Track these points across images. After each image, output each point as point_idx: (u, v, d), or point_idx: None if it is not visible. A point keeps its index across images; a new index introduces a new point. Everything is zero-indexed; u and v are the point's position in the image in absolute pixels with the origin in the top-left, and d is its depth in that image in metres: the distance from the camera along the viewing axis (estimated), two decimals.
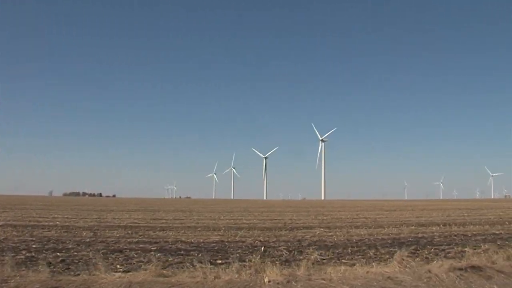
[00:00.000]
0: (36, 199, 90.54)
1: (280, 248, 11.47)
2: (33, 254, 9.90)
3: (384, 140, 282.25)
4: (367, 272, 7.31)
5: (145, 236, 14.52)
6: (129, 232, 15.76)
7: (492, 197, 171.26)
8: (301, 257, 9.47)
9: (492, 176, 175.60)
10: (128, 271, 7.33)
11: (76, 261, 8.98)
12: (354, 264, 8.10)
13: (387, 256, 9.90)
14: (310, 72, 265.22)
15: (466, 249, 10.17)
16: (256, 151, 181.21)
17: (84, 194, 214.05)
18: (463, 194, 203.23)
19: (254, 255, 7.97)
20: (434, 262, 8.11)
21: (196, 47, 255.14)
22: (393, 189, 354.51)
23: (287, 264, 8.53)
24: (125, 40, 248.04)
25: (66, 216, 25.70)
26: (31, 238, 13.14)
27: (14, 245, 11.56)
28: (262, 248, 11.27)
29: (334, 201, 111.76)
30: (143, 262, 8.80)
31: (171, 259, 9.46)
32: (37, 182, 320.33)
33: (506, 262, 8.12)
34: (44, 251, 10.51)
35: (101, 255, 9.13)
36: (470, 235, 15.31)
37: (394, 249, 11.13)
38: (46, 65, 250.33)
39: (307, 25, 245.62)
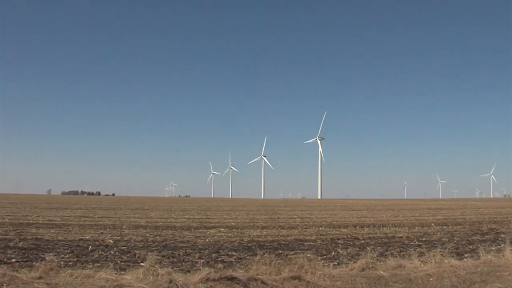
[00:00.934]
0: (35, 197, 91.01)
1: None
2: None
3: (384, 139, 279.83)
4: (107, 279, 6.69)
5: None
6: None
7: (492, 196, 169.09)
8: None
9: (491, 175, 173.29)
10: None
11: None
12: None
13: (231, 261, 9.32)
14: (310, 72, 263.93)
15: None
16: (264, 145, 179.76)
17: (83, 192, 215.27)
18: (464, 194, 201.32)
19: None
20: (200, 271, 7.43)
21: (194, 47, 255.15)
22: (393, 189, 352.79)
23: None
24: (124, 40, 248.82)
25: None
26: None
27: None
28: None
29: (327, 200, 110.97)
30: None
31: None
32: (35, 180, 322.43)
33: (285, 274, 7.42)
34: None
35: None
36: (361, 239, 14.60)
37: (249, 254, 10.63)
38: (45, 65, 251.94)
39: (307, 25, 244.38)
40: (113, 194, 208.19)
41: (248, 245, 12.64)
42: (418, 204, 61.60)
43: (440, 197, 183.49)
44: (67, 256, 10.11)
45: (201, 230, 17.28)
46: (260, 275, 7.39)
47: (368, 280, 7.04)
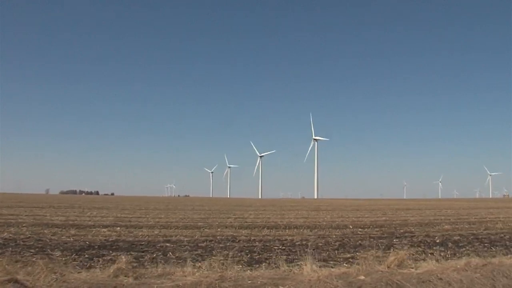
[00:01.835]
0: (34, 197, 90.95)
1: None
2: None
3: (384, 139, 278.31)
4: None
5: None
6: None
7: (491, 196, 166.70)
8: None
9: (491, 175, 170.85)
10: None
11: None
12: None
13: None
14: (309, 72, 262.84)
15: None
16: (254, 147, 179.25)
17: (81, 192, 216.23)
18: (463, 194, 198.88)
19: None
20: None
21: (194, 47, 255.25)
22: (393, 189, 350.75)
23: None
24: (124, 40, 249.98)
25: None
26: None
27: None
28: None
29: (323, 200, 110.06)
30: None
31: None
32: (34, 180, 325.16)
33: None
34: None
35: None
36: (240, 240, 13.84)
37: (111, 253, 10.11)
38: (45, 65, 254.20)
39: (307, 25, 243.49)
40: (112, 194, 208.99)
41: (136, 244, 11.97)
42: (396, 204, 60.80)
43: (440, 197, 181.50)
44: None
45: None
46: None
47: None
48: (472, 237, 15.33)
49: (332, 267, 8.16)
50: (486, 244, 13.15)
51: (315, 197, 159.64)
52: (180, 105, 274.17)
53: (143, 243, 12.71)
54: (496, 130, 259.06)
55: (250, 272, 7.70)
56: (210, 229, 17.26)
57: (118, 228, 17.18)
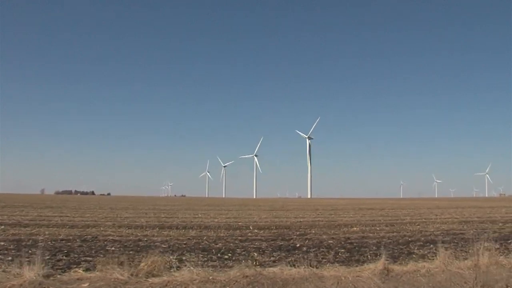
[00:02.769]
0: (33, 197, 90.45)
1: None
2: None
3: (382, 139, 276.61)
4: None
5: None
6: None
7: (487, 195, 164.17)
8: None
9: (487, 174, 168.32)
10: None
11: None
12: None
13: None
14: (310, 72, 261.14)
15: None
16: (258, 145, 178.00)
17: (76, 192, 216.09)
18: (461, 193, 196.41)
19: None
20: None
21: (194, 47, 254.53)
22: (390, 188, 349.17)
23: None
24: (124, 40, 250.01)
25: None
26: None
27: None
28: None
29: (314, 199, 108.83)
30: None
31: None
32: (29, 180, 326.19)
33: None
34: None
35: None
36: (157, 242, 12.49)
37: None
38: (45, 65, 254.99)
39: (307, 25, 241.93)
40: (109, 194, 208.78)
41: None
42: (382, 204, 59.53)
43: (436, 196, 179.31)
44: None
45: None
46: None
47: None
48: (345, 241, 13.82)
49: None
50: (342, 251, 11.73)
51: (309, 196, 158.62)
52: (180, 105, 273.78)
53: None
54: (493, 130, 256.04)
55: None
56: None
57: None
